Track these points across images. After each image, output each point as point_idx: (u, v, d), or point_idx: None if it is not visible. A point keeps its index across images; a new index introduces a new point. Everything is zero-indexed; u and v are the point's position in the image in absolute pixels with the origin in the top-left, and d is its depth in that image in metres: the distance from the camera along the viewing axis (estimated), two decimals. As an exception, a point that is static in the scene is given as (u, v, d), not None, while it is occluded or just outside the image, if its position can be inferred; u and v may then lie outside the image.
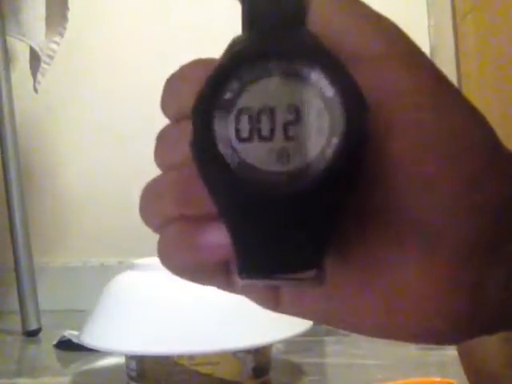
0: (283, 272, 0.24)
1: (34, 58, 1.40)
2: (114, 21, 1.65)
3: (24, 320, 1.27)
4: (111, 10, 1.65)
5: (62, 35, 1.42)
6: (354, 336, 1.08)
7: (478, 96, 1.53)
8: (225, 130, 0.23)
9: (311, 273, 0.24)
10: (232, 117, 0.23)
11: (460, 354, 0.54)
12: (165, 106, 0.27)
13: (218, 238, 0.25)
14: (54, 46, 1.41)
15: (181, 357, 0.80)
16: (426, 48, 1.64)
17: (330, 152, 0.22)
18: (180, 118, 0.26)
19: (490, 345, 0.50)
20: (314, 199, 0.23)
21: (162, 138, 0.27)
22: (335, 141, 0.22)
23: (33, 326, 1.27)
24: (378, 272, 0.26)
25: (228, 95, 0.23)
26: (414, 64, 0.25)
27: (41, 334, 1.27)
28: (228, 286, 0.28)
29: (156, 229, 0.28)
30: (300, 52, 0.23)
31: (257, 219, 0.23)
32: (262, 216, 0.23)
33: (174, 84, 0.27)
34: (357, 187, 0.24)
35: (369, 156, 0.24)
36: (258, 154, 0.23)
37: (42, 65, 1.40)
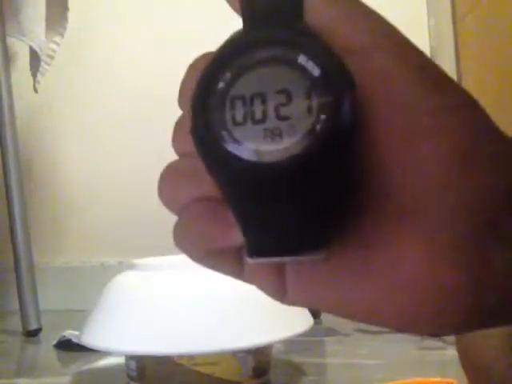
0: (291, 249, 0.25)
1: (34, 58, 1.40)
2: (113, 20, 1.65)
3: (24, 320, 1.28)
4: (111, 9, 1.65)
5: (62, 35, 1.42)
6: (354, 336, 1.09)
7: (477, 96, 1.52)
8: (221, 116, 0.25)
9: (319, 247, 0.25)
10: (226, 104, 0.25)
11: (459, 351, 0.54)
12: (180, 99, 0.29)
13: None
14: (53, 46, 1.41)
15: (181, 357, 0.80)
16: (426, 48, 1.64)
17: (318, 127, 0.24)
18: None
19: (489, 343, 0.50)
20: (307, 172, 0.24)
21: (180, 126, 0.28)
22: (323, 117, 0.24)
23: (33, 326, 1.27)
24: (376, 257, 0.26)
25: (221, 84, 0.25)
26: (402, 54, 0.26)
27: (41, 334, 1.27)
28: (239, 273, 0.28)
29: (178, 209, 0.28)
30: (285, 38, 0.25)
31: (258, 198, 0.25)
32: (263, 194, 0.24)
33: (186, 78, 0.28)
34: (351, 162, 0.25)
35: (359, 133, 0.25)
36: (252, 136, 0.24)
37: (42, 65, 1.40)
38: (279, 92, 0.24)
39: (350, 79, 0.24)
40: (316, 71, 0.24)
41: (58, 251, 1.62)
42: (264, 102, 0.24)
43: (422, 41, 1.65)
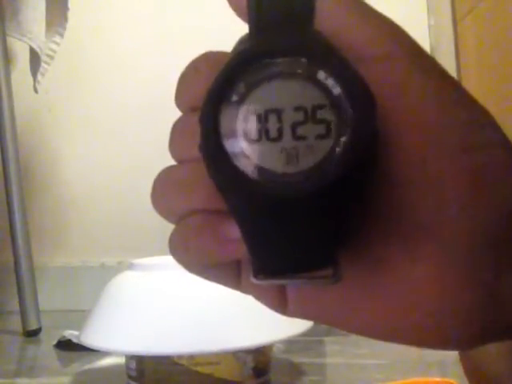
0: (299, 271, 0.24)
1: (34, 58, 1.40)
2: (113, 21, 1.65)
3: (24, 320, 1.27)
4: (111, 10, 1.65)
5: (61, 35, 1.42)
6: (354, 336, 1.08)
7: (477, 96, 1.52)
8: (233, 131, 0.23)
9: (328, 271, 0.24)
10: (240, 118, 0.23)
11: (460, 353, 0.54)
12: (178, 98, 0.27)
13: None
14: (53, 46, 1.41)
15: (181, 357, 0.80)
16: (426, 48, 1.63)
17: (339, 151, 0.22)
18: (194, 109, 0.26)
19: (490, 345, 0.50)
20: (326, 199, 0.23)
21: (178, 130, 0.27)
22: (344, 139, 0.22)
23: (33, 326, 1.27)
24: (386, 273, 0.26)
25: (235, 97, 0.23)
26: (419, 63, 0.26)
27: (41, 334, 1.27)
28: (237, 284, 0.28)
29: (175, 220, 0.27)
30: (305, 51, 0.23)
31: (269, 220, 0.23)
32: (275, 217, 0.23)
33: (186, 77, 0.27)
34: (368, 184, 0.24)
35: (378, 154, 0.24)
36: (266, 155, 0.23)
37: (42, 65, 1.40)
38: (296, 109, 0.23)
39: (372, 99, 0.23)
40: (336, 89, 0.22)
41: (58, 251, 1.62)
42: (280, 118, 0.23)
43: (421, 41, 1.65)
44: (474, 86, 1.50)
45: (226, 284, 0.28)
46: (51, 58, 1.41)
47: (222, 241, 0.25)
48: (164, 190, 0.27)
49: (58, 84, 1.61)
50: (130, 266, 0.89)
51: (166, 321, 0.80)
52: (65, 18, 1.41)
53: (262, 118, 0.23)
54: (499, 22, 1.32)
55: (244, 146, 0.23)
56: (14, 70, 1.51)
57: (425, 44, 1.63)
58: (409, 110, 0.25)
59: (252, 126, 0.23)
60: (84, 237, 1.63)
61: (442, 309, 0.26)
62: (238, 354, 0.81)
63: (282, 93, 0.23)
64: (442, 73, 0.26)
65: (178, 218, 0.27)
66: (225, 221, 0.25)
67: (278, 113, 0.23)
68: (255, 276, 0.24)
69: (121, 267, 0.96)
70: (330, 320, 0.28)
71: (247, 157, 0.23)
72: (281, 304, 0.28)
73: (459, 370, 0.55)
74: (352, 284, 0.26)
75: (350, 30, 0.25)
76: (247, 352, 0.81)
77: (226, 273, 0.27)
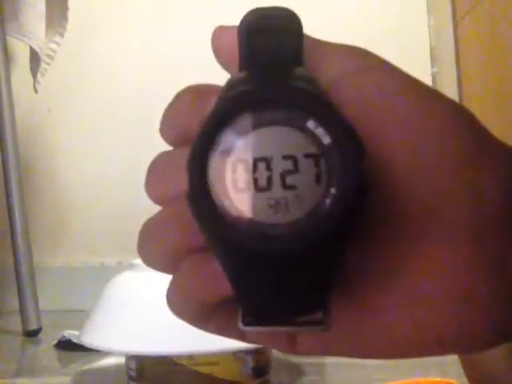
0: (287, 318, 0.24)
1: (34, 58, 1.40)
2: (113, 21, 1.65)
3: (24, 320, 1.27)
4: (111, 10, 1.65)
5: (62, 35, 1.42)
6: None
7: (477, 95, 1.53)
8: (221, 181, 0.22)
9: (318, 315, 0.24)
10: (228, 167, 0.22)
11: (462, 360, 0.54)
12: (162, 131, 0.27)
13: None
14: (53, 45, 1.41)
15: (181, 357, 0.80)
16: (426, 48, 1.63)
17: (328, 202, 0.22)
18: (176, 144, 0.26)
19: (496, 353, 0.49)
20: (315, 250, 0.22)
21: (158, 168, 0.27)
22: (333, 191, 0.22)
23: (33, 326, 1.27)
24: (393, 292, 0.25)
25: (223, 146, 0.22)
26: (390, 69, 0.27)
27: (41, 334, 1.27)
28: (242, 335, 0.28)
29: (164, 269, 0.27)
30: (295, 101, 0.23)
31: (256, 271, 0.23)
32: (262, 268, 0.23)
33: (169, 111, 0.27)
34: (358, 228, 0.23)
35: (368, 199, 0.23)
36: (255, 205, 0.22)
37: (42, 65, 1.40)
38: (285, 158, 0.22)
39: (361, 148, 0.22)
40: (326, 139, 0.22)
41: (58, 251, 1.62)
42: (269, 167, 0.22)
43: (422, 41, 1.65)
44: (474, 85, 1.50)
45: (229, 335, 0.28)
46: (51, 58, 1.41)
47: (212, 282, 0.25)
48: (144, 240, 0.28)
49: (58, 84, 1.61)
50: (130, 266, 0.89)
51: (166, 321, 0.79)
52: (65, 18, 1.41)
53: (251, 167, 0.22)
54: (499, 22, 1.32)
55: (232, 195, 0.22)
56: (14, 70, 1.51)
57: (425, 44, 1.63)
58: (391, 111, 0.26)
59: (241, 175, 0.22)
60: (84, 237, 1.63)
61: (457, 306, 0.25)
62: (237, 354, 0.81)
63: (271, 141, 0.22)
64: (409, 75, 0.28)
65: (166, 267, 0.27)
66: (209, 257, 0.24)
67: (267, 162, 0.22)
68: (243, 323, 0.24)
69: (121, 267, 0.96)
70: (344, 353, 0.28)
71: (235, 207, 0.22)
72: (290, 346, 0.27)
73: (459, 369, 0.55)
74: (359, 315, 0.26)
75: (331, 54, 0.27)
76: (247, 352, 0.81)
77: (228, 323, 0.27)
